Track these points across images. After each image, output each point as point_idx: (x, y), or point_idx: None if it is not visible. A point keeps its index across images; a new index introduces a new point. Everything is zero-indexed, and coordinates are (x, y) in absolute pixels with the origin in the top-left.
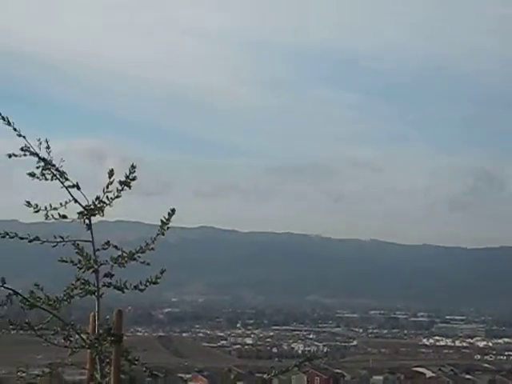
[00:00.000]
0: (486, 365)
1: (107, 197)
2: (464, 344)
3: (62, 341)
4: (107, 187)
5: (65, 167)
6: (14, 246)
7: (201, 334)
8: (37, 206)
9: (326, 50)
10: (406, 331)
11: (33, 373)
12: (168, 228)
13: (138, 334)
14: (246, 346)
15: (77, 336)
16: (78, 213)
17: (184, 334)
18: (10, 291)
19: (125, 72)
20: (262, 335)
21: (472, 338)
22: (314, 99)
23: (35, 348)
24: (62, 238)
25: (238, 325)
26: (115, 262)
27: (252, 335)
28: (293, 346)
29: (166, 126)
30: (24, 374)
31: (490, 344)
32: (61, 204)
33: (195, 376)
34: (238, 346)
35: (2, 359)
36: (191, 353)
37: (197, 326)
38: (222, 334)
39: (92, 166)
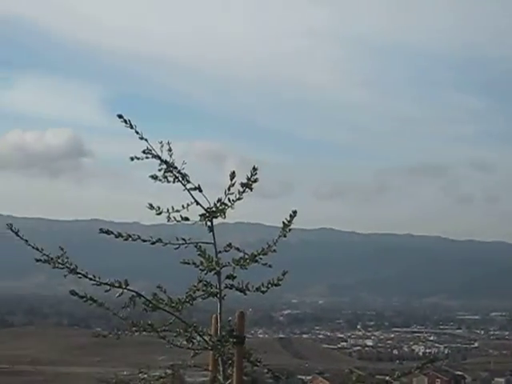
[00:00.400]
0: None
1: (229, 199)
2: None
3: (185, 342)
4: (229, 189)
5: (186, 169)
6: (137, 248)
7: (321, 336)
8: (159, 208)
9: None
10: None
11: (155, 374)
12: (290, 230)
13: (259, 335)
14: (367, 348)
15: (199, 338)
16: (200, 215)
17: (304, 336)
18: (134, 293)
19: (245, 75)
20: (382, 337)
21: None
22: (429, 100)
23: (158, 349)
24: (184, 240)
25: (359, 326)
26: (237, 264)
27: (372, 337)
28: (413, 347)
29: (284, 128)
30: (146, 376)
31: None
32: (183, 206)
33: (316, 378)
34: (359, 348)
35: (125, 360)
36: (311, 354)
37: (317, 328)
38: (342, 336)
39: (212, 167)
